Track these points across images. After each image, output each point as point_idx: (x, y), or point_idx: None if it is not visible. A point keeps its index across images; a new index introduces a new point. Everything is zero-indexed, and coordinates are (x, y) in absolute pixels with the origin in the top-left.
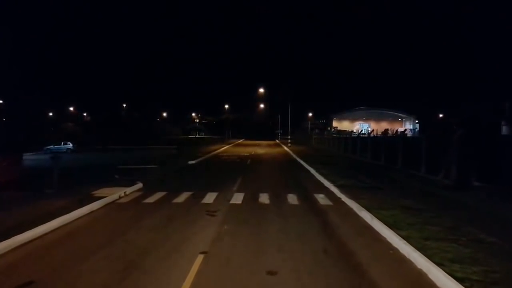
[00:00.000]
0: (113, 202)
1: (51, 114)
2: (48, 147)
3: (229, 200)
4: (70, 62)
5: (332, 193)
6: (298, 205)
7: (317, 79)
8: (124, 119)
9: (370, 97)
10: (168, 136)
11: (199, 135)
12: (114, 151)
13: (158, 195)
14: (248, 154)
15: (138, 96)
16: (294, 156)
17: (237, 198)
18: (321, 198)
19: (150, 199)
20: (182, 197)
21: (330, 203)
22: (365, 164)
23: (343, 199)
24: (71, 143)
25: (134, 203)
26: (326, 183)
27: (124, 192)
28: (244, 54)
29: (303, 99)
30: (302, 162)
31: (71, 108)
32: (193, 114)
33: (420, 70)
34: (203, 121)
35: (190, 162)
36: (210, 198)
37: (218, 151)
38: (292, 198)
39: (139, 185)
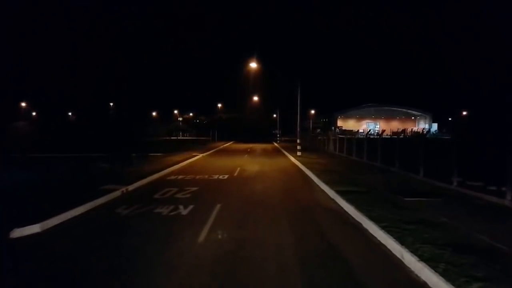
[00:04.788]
0: None
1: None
2: None
3: None
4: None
5: None
6: None
7: (319, 72)
8: (99, 118)
9: (378, 93)
10: (149, 138)
11: (183, 135)
12: (21, 164)
13: None
14: (223, 178)
15: (127, 95)
16: (326, 189)
17: None
18: None
19: None
20: None
21: None
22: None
23: None
24: None
25: None
26: None
27: None
28: (241, 48)
29: (303, 94)
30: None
31: (24, 104)
32: (175, 112)
33: (436, 63)
34: (195, 120)
35: (16, 234)
36: None
37: (176, 167)
38: None
39: None
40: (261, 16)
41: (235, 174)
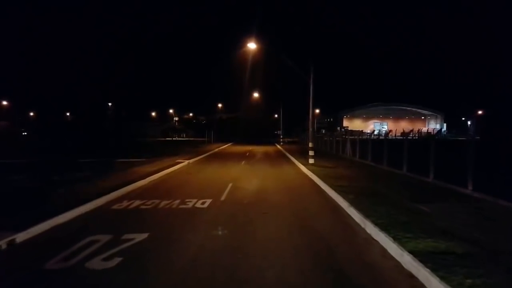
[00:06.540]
0: None
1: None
2: None
3: None
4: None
5: None
6: None
7: (323, 70)
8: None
9: (386, 91)
10: (143, 139)
11: (179, 136)
12: None
13: None
14: (202, 207)
15: (124, 95)
16: (386, 244)
17: None
18: None
19: None
20: None
21: None
22: None
23: None
24: None
25: None
26: None
27: None
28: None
29: (306, 92)
30: None
31: (5, 103)
32: (171, 111)
33: (444, 62)
34: (194, 120)
35: None
36: None
37: (142, 183)
38: None
39: None
40: (264, 14)
41: (223, 197)
